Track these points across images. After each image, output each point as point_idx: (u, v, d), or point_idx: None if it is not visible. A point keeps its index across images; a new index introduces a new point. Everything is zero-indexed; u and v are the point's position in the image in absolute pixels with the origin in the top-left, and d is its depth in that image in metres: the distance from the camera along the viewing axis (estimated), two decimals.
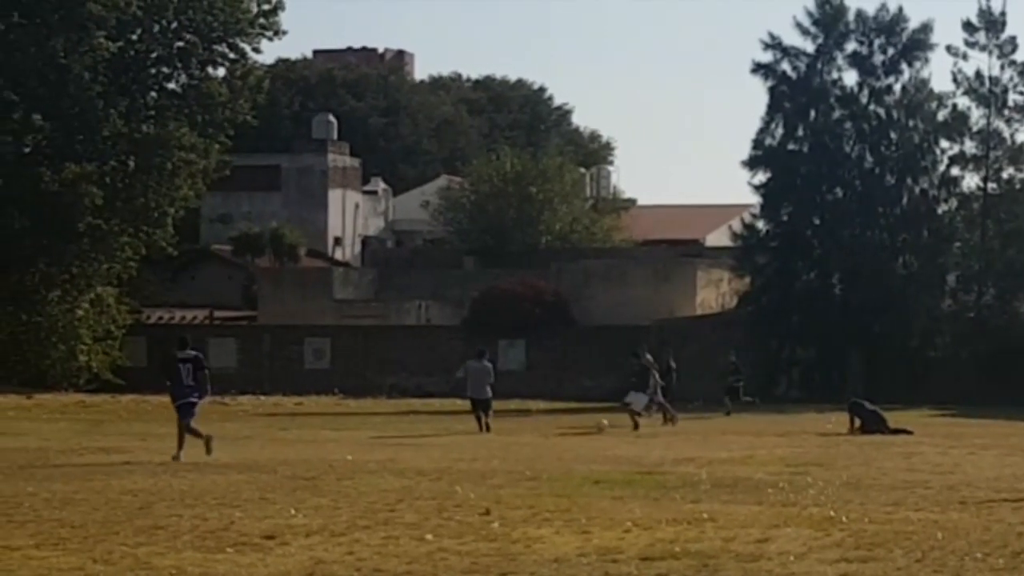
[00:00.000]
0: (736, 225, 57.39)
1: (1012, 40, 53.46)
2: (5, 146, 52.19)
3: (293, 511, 17.30)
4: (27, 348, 52.52)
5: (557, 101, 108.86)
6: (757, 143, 54.05)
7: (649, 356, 37.21)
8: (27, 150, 53.00)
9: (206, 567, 13.66)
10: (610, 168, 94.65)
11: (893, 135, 53.83)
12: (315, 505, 18.02)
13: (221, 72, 54.67)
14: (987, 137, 53.63)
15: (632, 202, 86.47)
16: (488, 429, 33.42)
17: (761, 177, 54.04)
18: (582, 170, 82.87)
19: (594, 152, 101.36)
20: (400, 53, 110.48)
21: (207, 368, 26.68)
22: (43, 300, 52.57)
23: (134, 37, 53.15)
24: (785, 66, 54.07)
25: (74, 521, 16.51)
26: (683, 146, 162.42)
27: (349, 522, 16.41)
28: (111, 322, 52.56)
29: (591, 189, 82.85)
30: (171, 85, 54.52)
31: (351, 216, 79.55)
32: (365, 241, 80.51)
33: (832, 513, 17.23)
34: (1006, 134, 53.87)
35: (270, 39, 54.92)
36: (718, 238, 71.36)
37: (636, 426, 34.42)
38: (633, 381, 38.31)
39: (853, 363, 51.79)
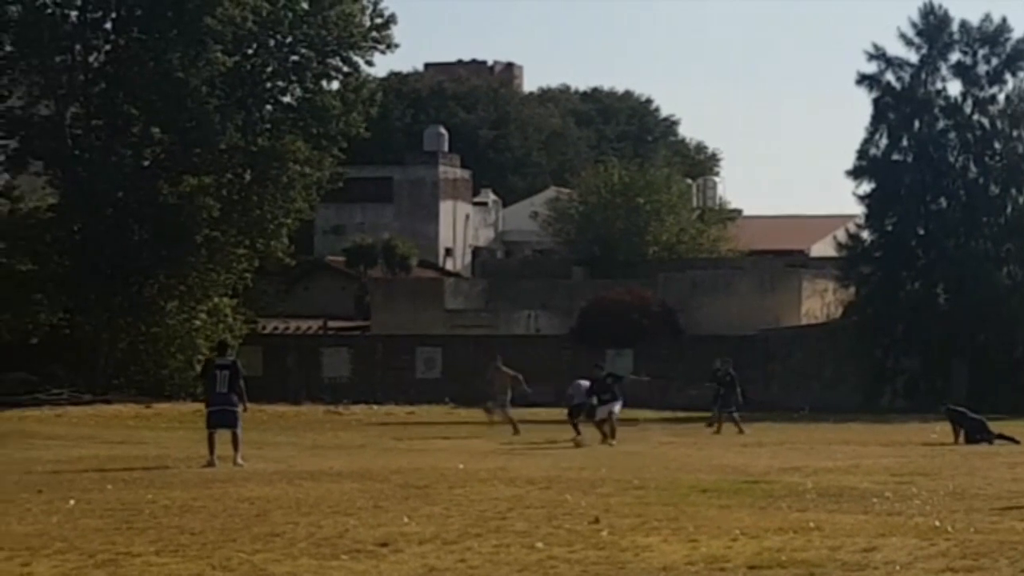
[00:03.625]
0: (841, 235, 57.31)
1: None
2: (125, 159, 52.79)
3: (406, 519, 17.39)
4: (146, 358, 53.09)
5: (664, 113, 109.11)
6: (861, 153, 53.98)
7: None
8: (146, 163, 53.59)
9: (322, 574, 13.82)
10: (716, 179, 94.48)
11: (997, 145, 53.51)
12: (427, 513, 18.11)
13: (335, 85, 55.00)
14: None
15: (738, 213, 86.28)
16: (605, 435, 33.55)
17: (865, 187, 54.01)
18: (689, 181, 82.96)
19: (700, 163, 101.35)
20: (509, 66, 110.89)
21: (243, 377, 26.29)
22: (162, 310, 53.08)
23: (250, 51, 53.55)
24: (889, 77, 54.00)
25: (193, 528, 16.71)
26: (788, 157, 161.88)
27: (461, 530, 16.50)
28: (228, 332, 52.39)
29: (697, 200, 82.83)
30: (286, 98, 54.95)
31: (462, 227, 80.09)
32: (475, 252, 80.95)
33: (937, 523, 17.12)
34: None
35: (383, 52, 55.25)
36: (823, 248, 71.19)
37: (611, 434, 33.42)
38: (721, 391, 39.05)
39: (957, 373, 51.57)
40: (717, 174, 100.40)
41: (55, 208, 53.17)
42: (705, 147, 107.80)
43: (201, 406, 28.25)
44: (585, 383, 34.86)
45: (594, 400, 33.77)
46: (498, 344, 56.67)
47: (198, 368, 50.04)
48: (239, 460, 25.47)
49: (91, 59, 53.00)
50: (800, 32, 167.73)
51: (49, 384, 50.29)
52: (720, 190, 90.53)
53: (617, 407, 33.59)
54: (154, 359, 53.01)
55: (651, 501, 19.62)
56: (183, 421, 42.92)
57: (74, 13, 52.31)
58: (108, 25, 52.99)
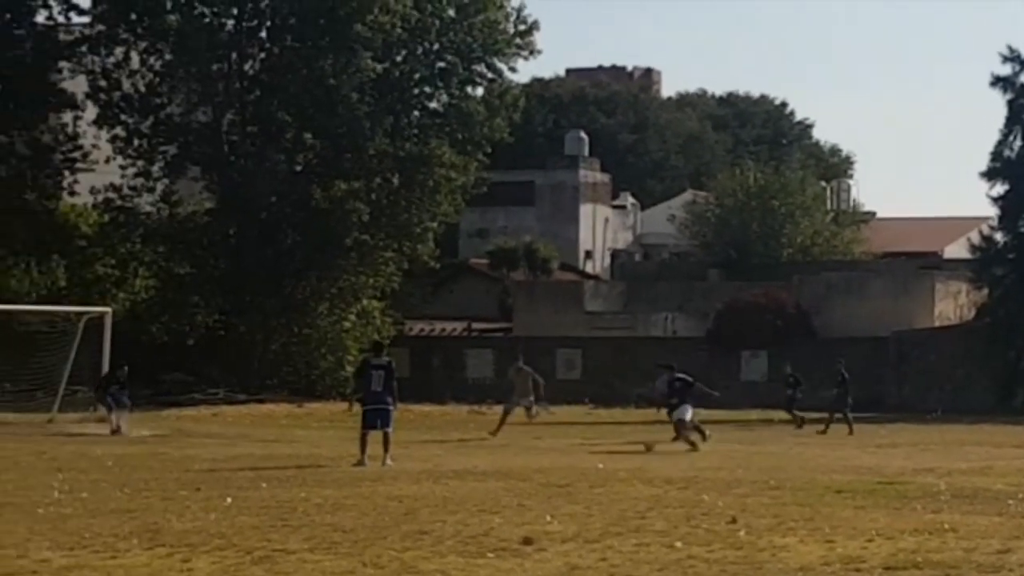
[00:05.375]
0: (974, 237, 57.18)
1: None
2: (278, 164, 53.87)
3: (549, 517, 17.69)
4: (298, 358, 53.96)
5: (798, 116, 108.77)
6: (995, 155, 53.80)
7: None
8: (299, 168, 54.58)
9: (469, 571, 14.05)
10: (850, 181, 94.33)
11: None
12: (569, 512, 18.42)
13: (479, 91, 55.73)
14: None
15: (872, 215, 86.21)
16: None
17: (999, 189, 53.80)
18: (823, 184, 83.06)
19: (834, 166, 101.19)
20: (648, 71, 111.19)
21: (396, 377, 26.72)
22: (313, 312, 53.95)
23: (398, 58, 54.25)
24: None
25: (344, 526, 17.00)
26: (922, 159, 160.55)
27: (602, 529, 16.77)
28: (376, 333, 52.50)
29: (832, 202, 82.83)
30: (433, 104, 55.65)
31: (601, 230, 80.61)
32: (614, 254, 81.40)
33: None
34: None
35: (525, 59, 55.97)
36: (957, 250, 70.87)
37: (679, 437, 32.57)
38: (834, 392, 39.68)
39: None
40: (851, 176, 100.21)
41: (212, 212, 54.36)
42: (839, 150, 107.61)
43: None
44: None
45: (672, 401, 33.70)
46: (636, 345, 57.44)
47: (348, 369, 50.80)
48: (388, 461, 25.96)
49: (247, 67, 54.08)
50: (934, 34, 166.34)
51: (205, 384, 51.33)
52: (854, 192, 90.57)
53: (687, 413, 33.02)
54: (306, 360, 53.94)
55: (787, 501, 19.91)
56: (334, 420, 43.68)
57: (230, 22, 53.41)
58: (263, 34, 54.08)
